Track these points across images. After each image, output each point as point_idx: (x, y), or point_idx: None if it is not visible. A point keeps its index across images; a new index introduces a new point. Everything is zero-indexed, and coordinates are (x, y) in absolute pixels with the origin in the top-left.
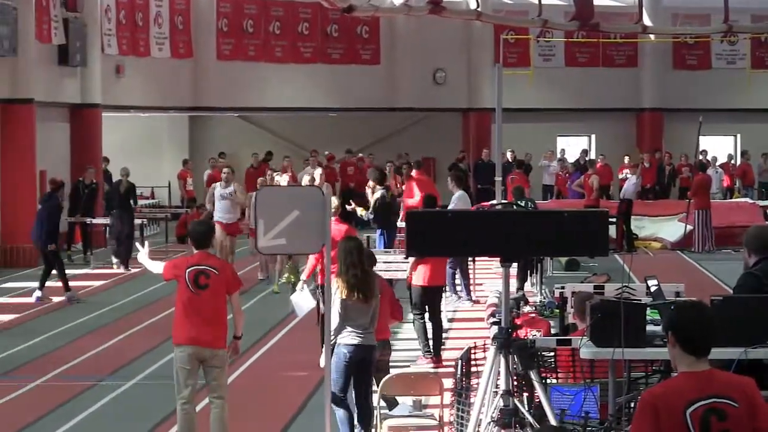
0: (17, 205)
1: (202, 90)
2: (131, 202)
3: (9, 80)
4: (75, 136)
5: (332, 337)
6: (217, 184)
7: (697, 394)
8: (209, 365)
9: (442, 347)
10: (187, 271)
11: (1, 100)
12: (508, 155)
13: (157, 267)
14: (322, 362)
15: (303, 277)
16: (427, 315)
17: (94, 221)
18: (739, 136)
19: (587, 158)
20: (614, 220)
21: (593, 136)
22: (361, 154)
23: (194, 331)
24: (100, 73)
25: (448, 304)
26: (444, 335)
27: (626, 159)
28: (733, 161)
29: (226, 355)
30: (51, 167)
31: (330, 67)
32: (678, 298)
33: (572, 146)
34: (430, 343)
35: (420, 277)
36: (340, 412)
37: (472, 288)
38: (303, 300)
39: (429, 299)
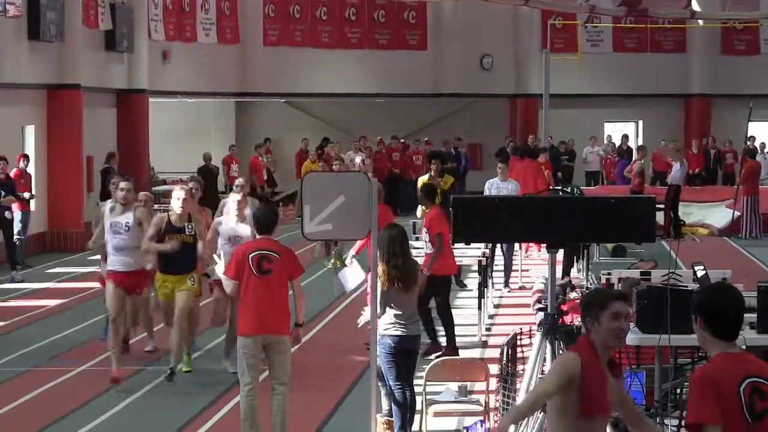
0: (65, 191)
1: (248, 76)
2: None
3: (56, 66)
4: (122, 122)
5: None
6: (108, 203)
7: (743, 373)
8: (273, 351)
9: (489, 333)
10: (251, 256)
11: (48, 86)
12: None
13: (225, 279)
14: (362, 320)
15: (352, 252)
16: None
17: None
18: None
19: (628, 144)
20: (662, 206)
21: (641, 122)
22: (403, 140)
23: (259, 318)
24: (147, 59)
25: (494, 291)
26: (490, 321)
27: (662, 143)
28: None
29: (289, 340)
30: (98, 153)
31: (376, 52)
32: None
33: (618, 132)
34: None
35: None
36: (396, 397)
37: (518, 275)
38: (352, 274)
39: (438, 289)
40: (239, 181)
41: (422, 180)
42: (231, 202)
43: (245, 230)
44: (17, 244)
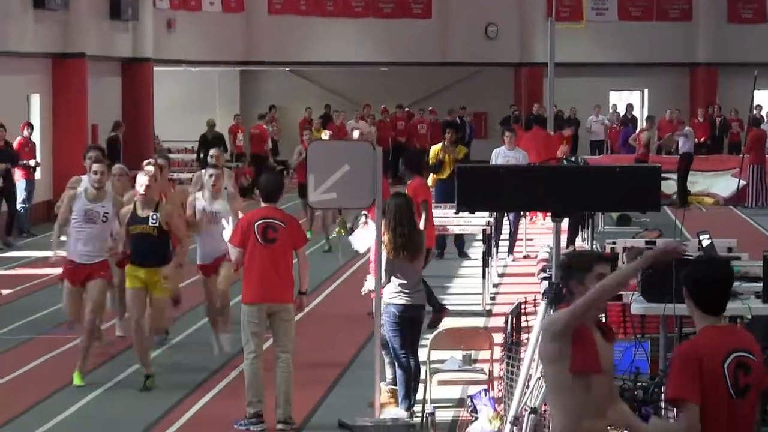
0: (70, 160)
1: (253, 44)
2: None
3: (61, 34)
4: (126, 91)
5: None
6: (84, 180)
7: (728, 348)
8: (277, 319)
9: (493, 302)
10: (256, 224)
11: (53, 55)
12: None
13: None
14: (366, 288)
15: (364, 211)
16: None
17: None
18: None
19: (633, 113)
20: (670, 176)
21: (646, 91)
22: (407, 108)
23: (263, 286)
24: (152, 28)
25: (498, 260)
26: (494, 290)
27: (667, 114)
28: None
29: (293, 309)
30: (103, 122)
31: (381, 21)
32: (729, 254)
33: (623, 101)
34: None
35: None
36: (400, 366)
37: (522, 244)
38: (366, 235)
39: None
40: (213, 151)
41: (434, 149)
42: (206, 177)
43: (220, 206)
44: (21, 212)
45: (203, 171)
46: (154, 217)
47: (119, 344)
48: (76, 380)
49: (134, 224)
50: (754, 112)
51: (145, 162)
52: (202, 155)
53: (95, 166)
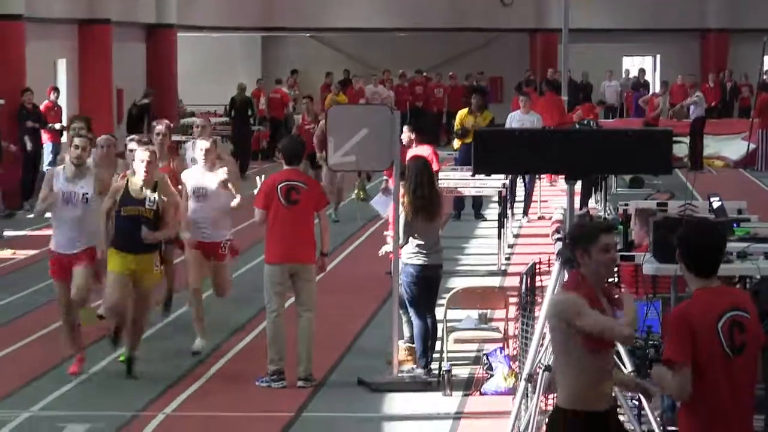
0: (95, 122)
1: (274, 10)
2: None
3: (87, 1)
4: (150, 56)
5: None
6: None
7: (721, 309)
8: (299, 279)
9: (509, 262)
10: (279, 186)
11: (79, 21)
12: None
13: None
14: (384, 249)
15: (385, 176)
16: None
17: None
18: None
19: (645, 78)
20: (682, 139)
21: (658, 57)
22: (425, 73)
23: (286, 247)
24: None
25: (513, 221)
26: (509, 251)
27: (679, 78)
28: None
29: (315, 269)
30: (127, 86)
31: None
32: (739, 216)
33: (636, 66)
34: None
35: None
36: (417, 324)
37: (537, 205)
38: (387, 199)
39: None
40: (199, 122)
41: (461, 114)
42: (198, 150)
43: (212, 182)
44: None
45: (196, 144)
46: (152, 199)
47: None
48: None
49: (128, 205)
50: (764, 77)
51: (143, 147)
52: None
53: (76, 140)
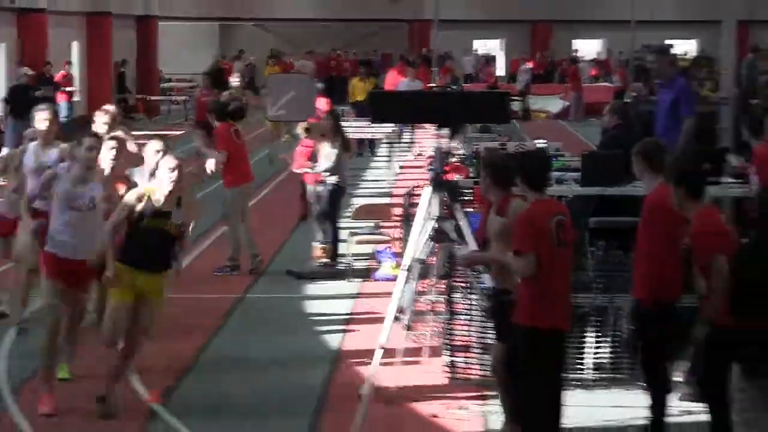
0: (99, 88)
1: (230, 4)
2: None
3: None
4: (139, 39)
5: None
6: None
7: (552, 213)
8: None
9: (395, 186)
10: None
11: (87, 13)
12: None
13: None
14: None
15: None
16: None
17: None
18: (602, 41)
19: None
20: (516, 98)
21: (504, 40)
22: (338, 51)
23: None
24: None
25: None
26: (396, 177)
27: (516, 56)
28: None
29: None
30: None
31: None
32: (557, 152)
33: (488, 46)
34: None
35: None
36: (330, 231)
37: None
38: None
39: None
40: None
41: (354, 81)
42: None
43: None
44: (65, 123)
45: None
46: (179, 213)
47: None
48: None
49: (153, 217)
50: (575, 54)
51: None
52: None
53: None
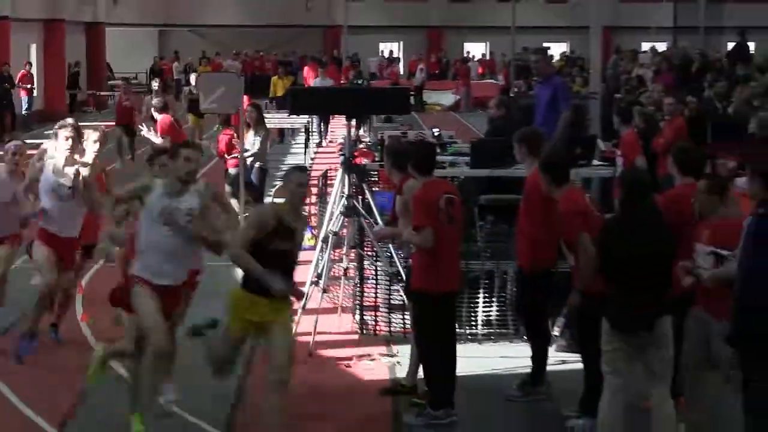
0: (54, 86)
1: (168, 11)
2: None
3: (50, 5)
4: (89, 43)
5: None
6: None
7: (441, 192)
8: None
9: (311, 169)
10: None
11: (44, 20)
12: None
13: None
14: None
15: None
16: None
17: None
18: (487, 44)
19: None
20: (413, 92)
21: (402, 43)
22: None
23: None
24: (104, 2)
25: (314, 143)
26: (311, 161)
27: (414, 56)
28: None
29: None
30: (74, 62)
31: None
32: (449, 139)
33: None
34: None
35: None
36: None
37: (329, 135)
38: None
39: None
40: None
41: (275, 79)
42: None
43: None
44: (26, 115)
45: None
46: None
47: None
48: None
49: (283, 237)
50: (465, 55)
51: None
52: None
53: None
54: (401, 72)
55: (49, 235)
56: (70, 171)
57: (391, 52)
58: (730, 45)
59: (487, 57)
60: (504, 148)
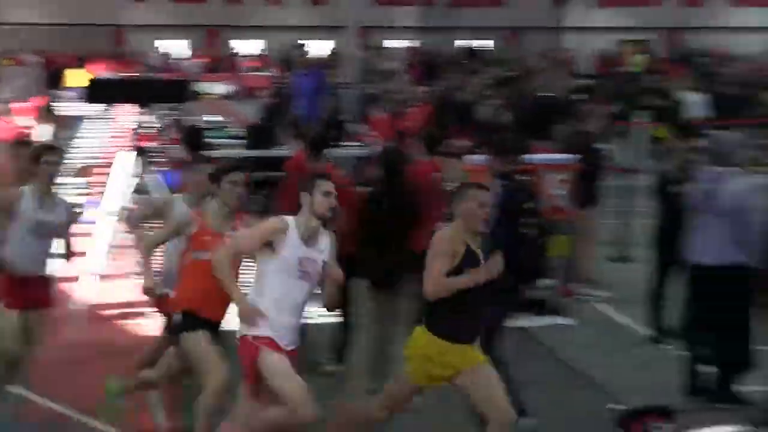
0: None
1: None
2: None
3: None
4: None
5: None
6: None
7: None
8: None
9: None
10: None
11: None
12: None
13: None
14: None
15: None
16: None
17: None
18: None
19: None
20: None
21: (189, 41)
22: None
23: None
24: None
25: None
26: (103, 146)
27: None
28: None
29: None
30: None
31: None
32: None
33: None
34: None
35: None
36: None
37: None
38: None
39: None
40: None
41: (68, 71)
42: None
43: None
44: None
45: None
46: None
47: None
48: None
49: (471, 266)
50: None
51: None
52: None
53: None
54: (182, 67)
55: None
56: None
57: (176, 49)
58: (459, 43)
59: (265, 53)
60: (273, 132)
